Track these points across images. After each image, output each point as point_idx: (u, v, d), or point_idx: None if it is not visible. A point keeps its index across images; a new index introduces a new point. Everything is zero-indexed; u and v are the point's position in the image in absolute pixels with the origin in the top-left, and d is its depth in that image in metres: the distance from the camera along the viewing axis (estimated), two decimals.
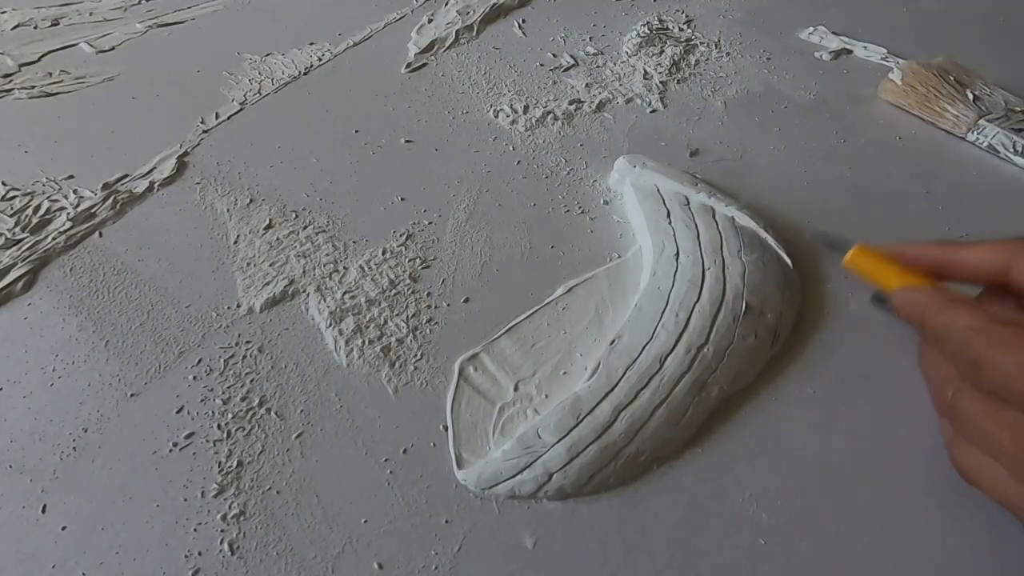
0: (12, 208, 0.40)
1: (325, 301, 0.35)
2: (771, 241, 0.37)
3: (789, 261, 0.37)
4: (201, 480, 0.28)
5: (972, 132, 0.46)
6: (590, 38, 0.58)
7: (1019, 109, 0.46)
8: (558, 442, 0.29)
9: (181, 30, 0.59)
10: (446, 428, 0.30)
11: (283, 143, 0.46)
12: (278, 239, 0.39)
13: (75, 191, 0.42)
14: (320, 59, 0.55)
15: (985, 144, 0.45)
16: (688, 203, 0.39)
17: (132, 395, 0.31)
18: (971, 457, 0.25)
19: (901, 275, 0.28)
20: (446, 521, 0.27)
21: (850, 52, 0.57)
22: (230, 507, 0.27)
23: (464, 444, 0.29)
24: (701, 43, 0.58)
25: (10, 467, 0.29)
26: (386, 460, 0.29)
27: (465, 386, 0.32)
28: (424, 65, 0.55)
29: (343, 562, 0.26)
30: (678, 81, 0.53)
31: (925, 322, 0.25)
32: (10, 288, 0.36)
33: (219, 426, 0.30)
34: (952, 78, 0.48)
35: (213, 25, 0.60)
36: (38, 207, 0.41)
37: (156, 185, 0.43)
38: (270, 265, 0.37)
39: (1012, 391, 0.22)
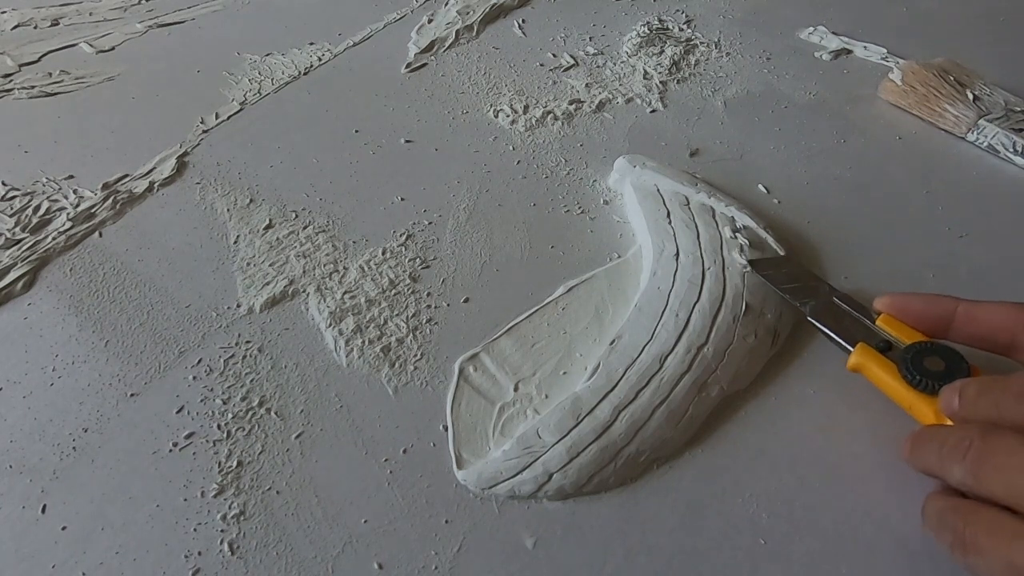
0: (12, 208, 0.40)
1: (325, 301, 0.35)
2: (771, 241, 0.37)
3: None
4: (201, 480, 0.28)
5: (972, 132, 0.46)
6: (590, 38, 0.58)
7: (1019, 109, 0.46)
8: (558, 442, 0.29)
9: (181, 30, 0.59)
10: (446, 428, 0.30)
11: (283, 143, 0.46)
12: (278, 239, 0.39)
13: (75, 191, 0.42)
14: (320, 59, 0.55)
15: (985, 144, 0.45)
16: (688, 203, 0.39)
17: (132, 395, 0.31)
18: None
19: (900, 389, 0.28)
20: (446, 521, 0.27)
21: (850, 52, 0.57)
22: (230, 507, 0.27)
23: (464, 444, 0.29)
24: (701, 43, 0.58)
25: (10, 467, 0.29)
26: (386, 460, 0.29)
27: (465, 386, 0.32)
28: (424, 65, 0.55)
29: (343, 562, 0.26)
30: (678, 81, 0.53)
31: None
32: (10, 288, 0.36)
33: (219, 426, 0.30)
34: (952, 78, 0.48)
35: (213, 25, 0.60)
36: (38, 207, 0.41)
37: (156, 185, 0.43)
38: (270, 265, 0.37)
39: None
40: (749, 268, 0.35)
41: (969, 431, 0.24)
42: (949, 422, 0.26)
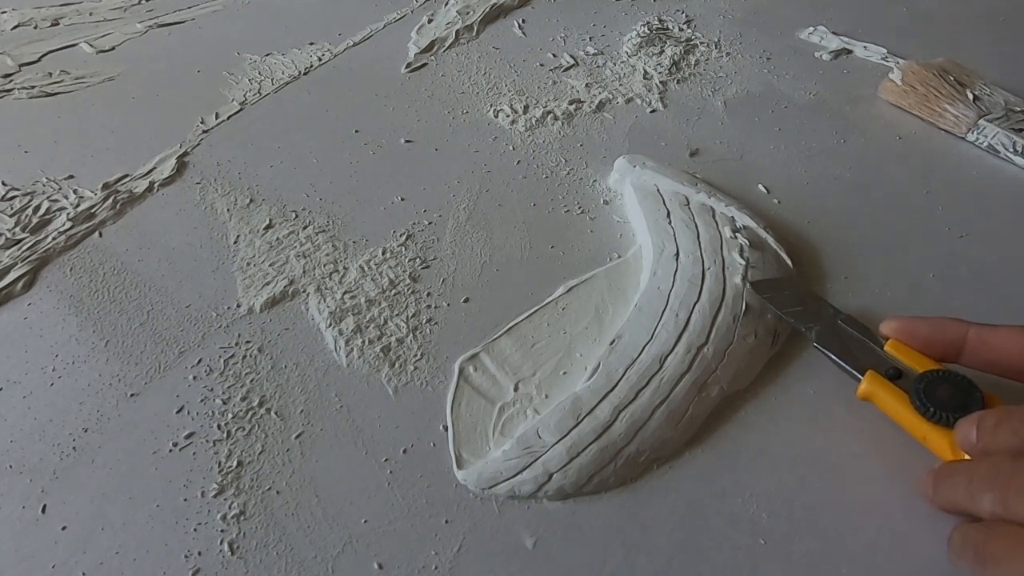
0: (12, 208, 0.40)
1: (325, 301, 0.35)
2: (771, 241, 0.37)
3: (789, 261, 0.37)
4: (201, 480, 0.28)
5: (972, 132, 0.46)
6: (590, 38, 0.58)
7: (1019, 109, 0.46)
8: (558, 442, 0.29)
9: (181, 30, 0.59)
10: (446, 428, 0.30)
11: (283, 143, 0.46)
12: (278, 239, 0.39)
13: (75, 191, 0.42)
14: (320, 59, 0.55)
15: (985, 144, 0.45)
16: (688, 203, 0.39)
17: (132, 395, 0.31)
18: None
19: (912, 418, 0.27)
20: (446, 521, 0.27)
21: (850, 52, 0.57)
22: (230, 507, 0.27)
23: (464, 444, 0.29)
24: (701, 43, 0.58)
25: (10, 467, 0.29)
26: (386, 460, 0.29)
27: (465, 386, 0.32)
28: (424, 65, 0.55)
29: (343, 562, 0.26)
30: (678, 81, 0.53)
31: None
32: (10, 288, 0.36)
33: (219, 426, 0.30)
34: (952, 78, 0.48)
35: (213, 25, 0.60)
36: (38, 207, 0.41)
37: (156, 185, 0.43)
38: (270, 265, 0.37)
39: None
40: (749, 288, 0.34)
41: (998, 460, 0.23)
42: (965, 455, 0.25)
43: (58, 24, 0.59)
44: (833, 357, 0.30)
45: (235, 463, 0.29)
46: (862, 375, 0.29)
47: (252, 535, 0.27)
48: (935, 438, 0.26)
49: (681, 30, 0.59)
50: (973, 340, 0.28)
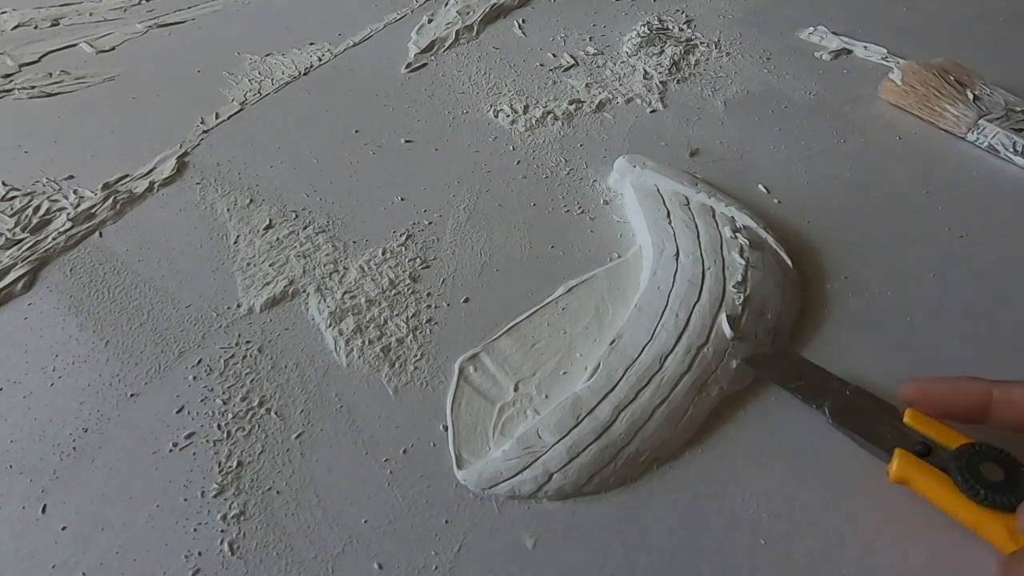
0: (12, 208, 0.40)
1: (325, 301, 0.35)
2: (771, 241, 0.37)
3: (789, 261, 0.37)
4: (201, 480, 0.28)
5: (972, 132, 0.46)
6: (590, 38, 0.58)
7: (1019, 109, 0.46)
8: (558, 442, 0.29)
9: (181, 30, 0.59)
10: (446, 428, 0.30)
11: (283, 143, 0.46)
12: (278, 239, 0.39)
13: (75, 191, 0.42)
14: (320, 59, 0.55)
15: (985, 144, 0.45)
16: (688, 203, 0.39)
17: (132, 395, 0.31)
18: None
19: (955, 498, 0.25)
20: (446, 521, 0.27)
21: (850, 52, 0.57)
22: (230, 507, 0.27)
23: (464, 444, 0.29)
24: (701, 43, 0.58)
25: (10, 467, 0.29)
26: (386, 460, 0.29)
27: (465, 386, 0.32)
28: (424, 65, 0.55)
29: (343, 562, 0.26)
30: (678, 81, 0.53)
31: None
32: (10, 288, 0.36)
33: (219, 426, 0.30)
34: (952, 78, 0.48)
35: (213, 25, 0.60)
36: (38, 207, 0.41)
37: (156, 185, 0.43)
38: (270, 265, 0.37)
39: None
40: (744, 365, 0.32)
41: None
42: None
43: (58, 24, 0.59)
44: (857, 439, 0.28)
45: (235, 463, 0.29)
46: (890, 454, 0.27)
47: (252, 535, 0.27)
48: (989, 523, 0.24)
49: (681, 30, 0.59)
50: (999, 401, 0.25)
